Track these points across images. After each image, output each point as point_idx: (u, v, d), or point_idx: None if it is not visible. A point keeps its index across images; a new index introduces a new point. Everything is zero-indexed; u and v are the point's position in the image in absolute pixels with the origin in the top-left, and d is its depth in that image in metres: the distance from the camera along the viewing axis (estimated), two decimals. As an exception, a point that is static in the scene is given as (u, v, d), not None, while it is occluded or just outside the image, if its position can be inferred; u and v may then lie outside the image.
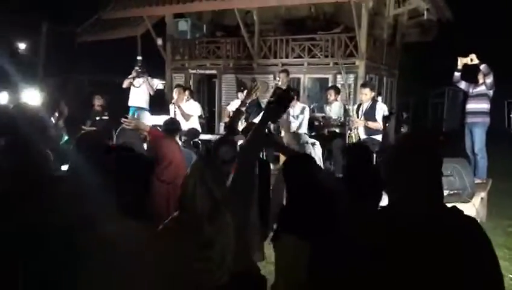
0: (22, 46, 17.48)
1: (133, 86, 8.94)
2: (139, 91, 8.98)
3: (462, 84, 7.43)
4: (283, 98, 2.57)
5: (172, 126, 5.00)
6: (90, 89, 15.30)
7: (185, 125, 8.24)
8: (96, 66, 15.17)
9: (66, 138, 8.52)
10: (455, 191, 5.92)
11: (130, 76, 8.96)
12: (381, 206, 1.83)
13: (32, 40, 16.56)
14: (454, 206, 1.71)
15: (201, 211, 2.13)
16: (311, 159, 3.12)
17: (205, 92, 12.32)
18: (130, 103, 9.12)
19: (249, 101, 4.95)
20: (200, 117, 9.00)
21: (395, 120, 12.34)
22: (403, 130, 12.47)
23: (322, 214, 2.44)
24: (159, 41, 11.42)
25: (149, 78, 9.10)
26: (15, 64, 15.56)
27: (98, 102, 9.81)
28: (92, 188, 2.03)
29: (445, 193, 5.85)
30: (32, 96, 8.57)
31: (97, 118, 9.39)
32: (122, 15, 11.32)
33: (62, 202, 2.13)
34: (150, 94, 9.12)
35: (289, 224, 2.60)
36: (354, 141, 6.63)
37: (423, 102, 15.96)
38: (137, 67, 8.89)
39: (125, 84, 9.06)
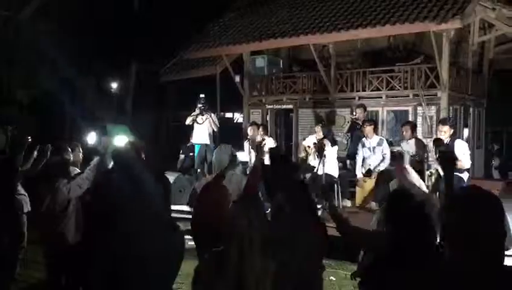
0: (114, 85, 18.81)
1: (197, 122, 9.15)
2: (203, 128, 9.17)
3: None
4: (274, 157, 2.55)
5: None
6: (175, 124, 16.06)
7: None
8: (179, 103, 15.91)
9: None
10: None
11: (194, 113, 9.18)
12: (438, 263, 1.68)
13: (122, 80, 17.78)
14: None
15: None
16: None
17: (282, 127, 12.36)
18: (193, 140, 9.34)
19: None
20: (274, 153, 8.98)
21: (485, 152, 11.58)
22: (494, 163, 11.62)
23: None
24: (237, 78, 11.71)
25: (212, 114, 9.28)
26: (107, 103, 16.80)
27: None
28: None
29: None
30: (122, 139, 9.05)
31: (190, 154, 9.85)
32: (201, 55, 11.77)
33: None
34: (213, 130, 9.29)
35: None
36: (434, 179, 6.23)
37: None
38: (200, 105, 9.10)
39: (188, 121, 9.29)
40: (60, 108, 13.98)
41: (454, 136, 6.65)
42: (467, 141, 9.75)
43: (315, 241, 3.45)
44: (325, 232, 3.67)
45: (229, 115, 21.35)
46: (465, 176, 6.53)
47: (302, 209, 3.59)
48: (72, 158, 4.52)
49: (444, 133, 6.45)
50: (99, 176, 4.02)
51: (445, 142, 6.47)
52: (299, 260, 3.33)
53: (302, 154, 8.47)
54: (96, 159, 4.14)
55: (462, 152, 6.40)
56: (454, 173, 6.34)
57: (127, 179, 2.64)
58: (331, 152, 7.91)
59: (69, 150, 4.50)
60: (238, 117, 19.23)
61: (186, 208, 7.83)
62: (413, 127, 7.92)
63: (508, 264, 1.65)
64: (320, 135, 8.12)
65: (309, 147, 8.17)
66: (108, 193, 2.81)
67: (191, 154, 9.79)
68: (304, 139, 9.26)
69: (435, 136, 6.92)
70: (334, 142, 8.34)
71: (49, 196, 3.94)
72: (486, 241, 1.54)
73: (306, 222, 3.54)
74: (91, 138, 8.85)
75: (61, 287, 3.97)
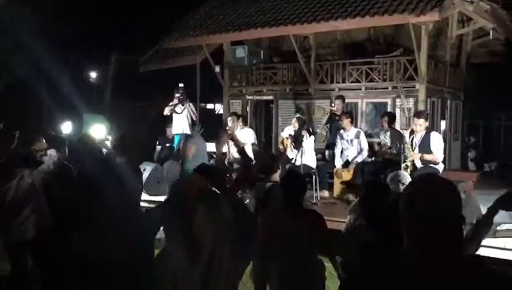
0: (93, 74, 18.54)
1: (175, 112, 8.95)
2: (182, 118, 8.98)
3: None
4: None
5: None
6: (156, 115, 15.88)
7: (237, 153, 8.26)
8: (160, 93, 15.75)
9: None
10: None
11: (172, 103, 9.00)
12: (395, 254, 1.63)
13: (101, 69, 17.53)
14: (477, 257, 1.53)
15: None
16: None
17: (262, 118, 12.34)
18: (173, 131, 9.16)
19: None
20: (253, 144, 8.95)
21: (462, 144, 11.74)
22: (470, 155, 11.80)
23: None
24: (217, 69, 11.62)
25: (190, 104, 9.12)
26: (86, 92, 16.55)
27: (170, 130, 10.00)
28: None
29: (511, 226, 5.42)
30: (98, 128, 8.92)
31: (167, 145, 9.68)
32: (181, 44, 11.65)
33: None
34: (192, 120, 9.15)
35: None
36: (409, 171, 6.28)
37: (495, 125, 15.05)
38: (178, 94, 8.91)
39: (166, 111, 9.08)
40: (36, 96, 13.72)
41: (429, 129, 6.72)
42: (444, 133, 9.93)
43: (304, 234, 3.47)
44: (316, 223, 3.68)
45: (210, 106, 21.22)
46: (440, 167, 6.61)
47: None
48: (44, 147, 4.42)
49: (420, 126, 6.51)
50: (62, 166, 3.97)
51: (420, 135, 6.54)
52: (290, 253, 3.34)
53: (281, 146, 8.46)
54: (51, 151, 4.07)
55: (437, 145, 6.46)
56: (430, 165, 6.49)
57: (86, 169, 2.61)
58: (309, 143, 7.92)
59: (41, 139, 4.40)
60: (219, 108, 19.12)
61: (163, 198, 7.76)
62: (392, 118, 7.96)
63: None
64: (296, 126, 8.10)
65: (287, 138, 8.17)
66: (72, 184, 2.76)
67: (167, 144, 9.68)
68: (283, 130, 9.26)
69: (411, 128, 6.98)
70: (311, 133, 8.32)
71: (14, 185, 3.86)
72: (441, 229, 1.51)
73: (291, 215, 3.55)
74: (66, 127, 8.76)
75: (27, 278, 3.91)
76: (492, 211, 2.42)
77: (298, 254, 3.42)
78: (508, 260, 5.00)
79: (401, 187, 4.06)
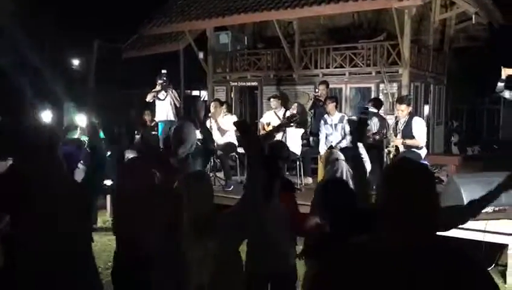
0: (75, 62, 18.28)
1: (158, 99, 8.81)
2: (165, 104, 8.84)
3: (506, 94, 7.02)
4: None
5: None
6: (140, 103, 15.71)
7: (220, 140, 8.23)
8: (143, 81, 15.58)
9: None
10: (501, 208, 5.52)
11: (154, 90, 8.85)
12: (368, 237, 1.63)
13: (84, 57, 17.27)
14: (448, 241, 1.54)
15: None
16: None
17: (247, 104, 12.29)
18: (157, 118, 9.03)
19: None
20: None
21: (445, 129, 11.83)
22: (454, 139, 11.90)
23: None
24: (201, 55, 11.52)
25: (173, 90, 8.98)
26: (68, 80, 16.31)
27: (148, 117, 9.81)
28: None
29: (490, 209, 5.49)
30: (81, 118, 8.78)
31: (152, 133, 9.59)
32: (163, 30, 11.50)
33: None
34: (176, 106, 9.03)
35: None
36: (392, 156, 6.33)
37: (478, 109, 15.17)
38: (161, 81, 8.76)
39: (148, 98, 8.90)
40: (18, 85, 13.50)
41: (412, 114, 6.75)
42: (427, 118, 10.00)
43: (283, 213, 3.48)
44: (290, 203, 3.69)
45: (196, 92, 21.08)
46: (422, 152, 6.66)
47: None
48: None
49: (402, 111, 6.55)
50: None
51: (404, 120, 6.58)
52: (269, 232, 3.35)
53: (262, 132, 8.42)
54: None
55: (419, 130, 6.51)
56: (412, 150, 6.53)
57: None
58: (295, 132, 7.91)
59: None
60: (204, 95, 19.03)
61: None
62: (379, 104, 7.97)
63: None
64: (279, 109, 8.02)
65: (268, 124, 8.15)
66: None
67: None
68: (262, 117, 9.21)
69: (395, 114, 7.01)
70: (302, 125, 8.29)
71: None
72: (415, 214, 1.50)
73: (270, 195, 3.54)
74: (46, 115, 8.66)
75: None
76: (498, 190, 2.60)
77: (274, 231, 3.44)
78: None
79: (337, 163, 4.09)
